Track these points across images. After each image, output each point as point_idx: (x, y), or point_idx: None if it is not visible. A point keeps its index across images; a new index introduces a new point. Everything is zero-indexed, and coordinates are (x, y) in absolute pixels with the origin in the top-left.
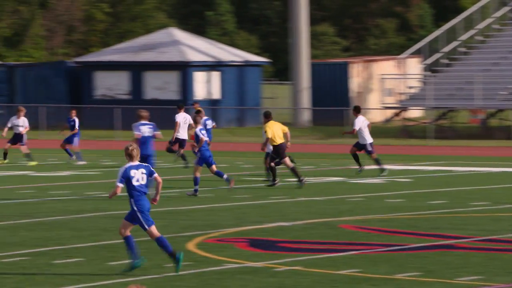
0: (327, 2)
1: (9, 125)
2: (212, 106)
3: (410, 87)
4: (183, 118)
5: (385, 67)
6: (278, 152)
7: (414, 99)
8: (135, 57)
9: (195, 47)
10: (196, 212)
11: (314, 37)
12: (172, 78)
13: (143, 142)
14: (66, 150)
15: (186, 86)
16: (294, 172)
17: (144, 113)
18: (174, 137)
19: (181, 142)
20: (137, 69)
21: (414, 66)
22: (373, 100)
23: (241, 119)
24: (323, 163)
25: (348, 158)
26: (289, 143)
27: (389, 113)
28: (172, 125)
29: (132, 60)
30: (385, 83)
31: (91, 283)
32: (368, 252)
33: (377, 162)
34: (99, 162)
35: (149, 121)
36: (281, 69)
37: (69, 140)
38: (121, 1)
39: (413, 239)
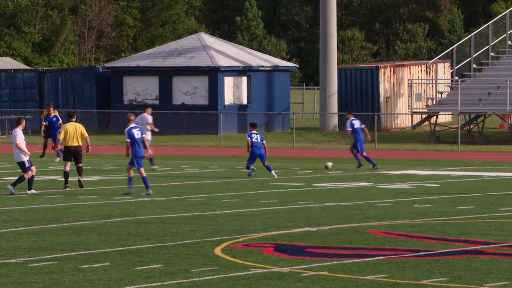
0: (356, 8)
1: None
2: (240, 111)
3: (439, 92)
4: None
5: (414, 72)
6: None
7: (443, 104)
8: (164, 62)
9: (224, 52)
10: (223, 217)
11: (343, 42)
12: (201, 83)
13: (135, 144)
14: (57, 151)
15: (214, 91)
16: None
17: (132, 117)
18: None
19: None
20: (166, 74)
21: (443, 71)
22: (402, 105)
23: (270, 124)
24: (351, 168)
25: (376, 163)
26: (89, 148)
27: (418, 118)
28: (200, 130)
29: (161, 66)
30: (414, 88)
31: (118, 287)
32: (395, 257)
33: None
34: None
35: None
36: (310, 74)
37: (55, 139)
38: (151, 7)
39: (441, 245)
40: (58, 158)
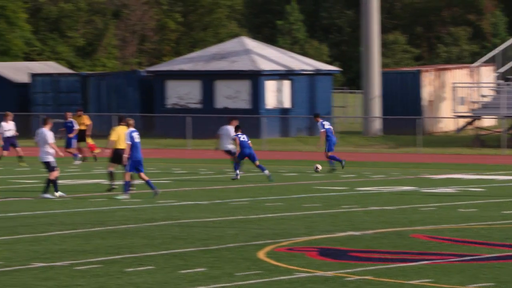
0: (399, 11)
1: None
2: (282, 115)
3: (483, 96)
4: (224, 129)
5: (457, 75)
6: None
7: (487, 108)
8: (207, 66)
9: (266, 56)
10: (266, 221)
11: (385, 45)
12: (243, 87)
13: (135, 147)
14: (74, 155)
15: (257, 95)
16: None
17: (132, 121)
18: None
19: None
20: (208, 78)
21: (487, 74)
22: (445, 109)
23: (312, 128)
24: (394, 172)
25: (419, 167)
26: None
27: (462, 122)
28: (247, 133)
29: (203, 69)
30: (458, 92)
31: None
32: (440, 262)
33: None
34: (170, 170)
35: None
36: (352, 78)
37: (69, 143)
38: (193, 11)
39: (486, 249)
40: (78, 161)
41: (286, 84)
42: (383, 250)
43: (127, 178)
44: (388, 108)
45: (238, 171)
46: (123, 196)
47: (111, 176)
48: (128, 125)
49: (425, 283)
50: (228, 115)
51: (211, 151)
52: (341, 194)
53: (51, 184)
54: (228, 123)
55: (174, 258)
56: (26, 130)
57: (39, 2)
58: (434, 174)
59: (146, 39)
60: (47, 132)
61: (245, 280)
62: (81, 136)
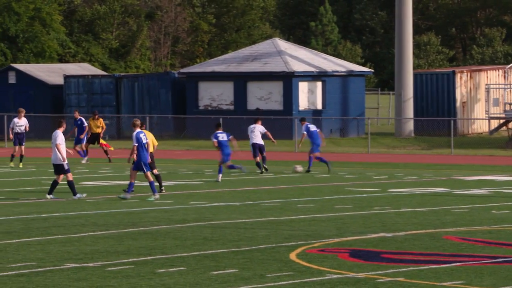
0: (433, 12)
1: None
2: (315, 116)
3: None
4: (252, 127)
5: (491, 76)
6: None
7: None
8: (239, 67)
9: (298, 57)
10: (298, 222)
11: (419, 46)
12: (275, 88)
13: (142, 149)
14: (78, 152)
15: (289, 96)
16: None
17: (138, 122)
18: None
19: (259, 148)
20: (241, 80)
21: None
22: (479, 110)
23: (344, 129)
24: (427, 173)
25: (452, 168)
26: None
27: (495, 123)
28: (275, 135)
29: (236, 71)
30: (492, 93)
31: None
32: (472, 264)
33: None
34: (203, 171)
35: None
36: (385, 79)
37: (78, 141)
38: (226, 12)
39: None
40: (85, 159)
41: (319, 85)
42: (415, 252)
43: (150, 178)
44: (421, 109)
45: (220, 176)
46: (154, 197)
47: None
48: (135, 126)
49: (457, 285)
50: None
51: (244, 152)
52: (373, 195)
53: (54, 186)
54: (255, 122)
55: (205, 259)
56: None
57: (74, 4)
58: (467, 176)
59: (179, 41)
60: (58, 134)
61: (276, 281)
62: (94, 138)
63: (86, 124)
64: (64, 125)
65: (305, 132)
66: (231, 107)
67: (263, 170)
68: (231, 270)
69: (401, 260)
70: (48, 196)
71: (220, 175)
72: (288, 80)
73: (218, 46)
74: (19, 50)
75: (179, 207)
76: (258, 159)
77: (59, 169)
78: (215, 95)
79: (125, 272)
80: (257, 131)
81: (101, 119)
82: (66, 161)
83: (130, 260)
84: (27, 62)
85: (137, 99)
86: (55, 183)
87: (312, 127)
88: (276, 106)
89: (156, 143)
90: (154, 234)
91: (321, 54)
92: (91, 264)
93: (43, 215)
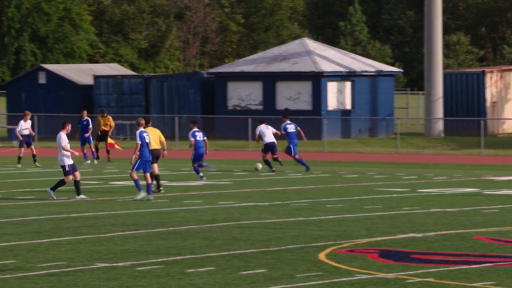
0: (462, 11)
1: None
2: (343, 116)
3: None
4: (264, 127)
5: None
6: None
7: None
8: (268, 67)
9: (327, 57)
10: (327, 222)
11: (448, 46)
12: (304, 88)
13: (145, 148)
14: (92, 153)
15: (318, 96)
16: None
17: (143, 121)
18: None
19: (271, 148)
20: (269, 80)
21: None
22: (509, 110)
23: (373, 130)
24: (456, 173)
25: (482, 168)
26: (165, 152)
27: None
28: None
29: (265, 71)
30: None
31: None
32: (503, 264)
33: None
34: (232, 171)
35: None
36: (414, 79)
37: (84, 141)
38: (255, 12)
39: None
40: (88, 161)
41: (348, 85)
42: (445, 252)
43: (148, 180)
44: (450, 109)
45: (201, 174)
46: (140, 196)
47: (156, 178)
48: (139, 125)
49: (488, 286)
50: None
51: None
52: (403, 195)
53: (78, 186)
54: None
55: (234, 259)
56: None
57: (103, 4)
58: (497, 176)
59: (208, 41)
60: (61, 136)
61: (306, 282)
62: (103, 136)
63: (91, 126)
64: (68, 127)
65: (283, 132)
66: (260, 107)
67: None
68: (260, 270)
69: (431, 261)
70: (52, 194)
71: (201, 173)
72: (317, 80)
73: (247, 46)
74: (49, 51)
75: (208, 207)
76: (268, 157)
77: (63, 170)
78: (244, 95)
79: (154, 272)
80: (270, 131)
81: (110, 117)
82: (71, 162)
83: (160, 260)
84: (57, 62)
85: (166, 99)
86: (76, 183)
87: (291, 128)
88: (305, 106)
89: (163, 139)
90: (183, 234)
91: (350, 54)
92: (121, 264)
93: (73, 214)
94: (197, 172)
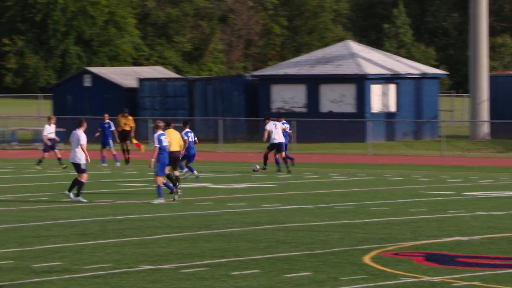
0: (508, 13)
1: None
2: (388, 118)
3: None
4: (273, 125)
5: None
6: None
7: None
8: (312, 70)
9: (371, 59)
10: (371, 225)
11: (493, 48)
12: (348, 91)
13: (163, 151)
14: (114, 156)
15: (362, 98)
16: (171, 180)
17: (161, 123)
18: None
19: (278, 147)
20: (313, 82)
21: None
22: None
23: (418, 132)
24: (502, 176)
25: None
26: (182, 152)
27: None
28: (347, 138)
29: (308, 74)
30: None
31: None
32: None
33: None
34: (275, 174)
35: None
36: (459, 82)
37: (104, 144)
38: (298, 15)
39: None
40: (105, 164)
41: (392, 88)
42: (491, 256)
43: (159, 182)
44: (496, 111)
45: (195, 171)
46: (158, 201)
47: (171, 178)
48: (157, 128)
49: None
50: (332, 119)
51: (317, 155)
52: (448, 198)
53: (78, 186)
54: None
55: (279, 262)
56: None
57: (147, 7)
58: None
59: (252, 44)
60: (81, 134)
61: (351, 285)
62: (124, 136)
63: (113, 128)
64: (85, 125)
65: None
66: (304, 110)
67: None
68: (305, 273)
69: (477, 264)
70: (72, 197)
71: (195, 171)
72: (360, 83)
73: (291, 48)
74: (94, 54)
75: (252, 210)
76: (283, 155)
77: (76, 168)
78: (288, 98)
79: (199, 274)
80: (278, 129)
81: (131, 118)
82: (85, 161)
83: (204, 262)
84: (102, 65)
85: (210, 102)
86: (79, 183)
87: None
88: (349, 108)
89: (181, 142)
90: (227, 237)
91: (394, 56)
92: (165, 266)
93: (118, 217)
94: (191, 171)
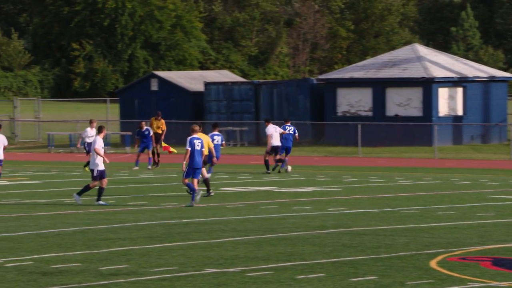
0: None
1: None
2: (455, 122)
3: None
4: (273, 129)
5: None
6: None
7: None
8: (378, 73)
9: (438, 63)
10: (438, 230)
11: None
12: (414, 94)
13: (194, 155)
14: (149, 159)
15: (429, 102)
16: (207, 184)
17: (196, 127)
18: (269, 147)
19: (276, 150)
20: (379, 86)
21: None
22: None
23: (486, 136)
24: None
25: None
26: (214, 159)
27: None
28: (414, 141)
29: (374, 77)
30: None
31: None
32: None
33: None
34: (341, 178)
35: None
36: None
37: (143, 149)
38: (364, 18)
39: None
40: (136, 167)
41: (459, 91)
42: None
43: (195, 185)
44: None
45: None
46: (197, 197)
47: (206, 182)
48: (193, 131)
49: None
50: (399, 122)
51: (383, 159)
52: None
53: (101, 192)
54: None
55: (344, 266)
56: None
57: (214, 12)
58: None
59: (318, 47)
60: (98, 140)
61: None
62: (156, 139)
63: (152, 133)
64: (104, 131)
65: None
66: (370, 114)
67: (271, 171)
68: (371, 277)
69: None
70: (100, 202)
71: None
72: (427, 86)
73: (357, 52)
74: (161, 58)
75: (318, 214)
76: (277, 157)
77: (92, 174)
78: (354, 101)
79: (264, 277)
80: (277, 133)
81: (163, 121)
82: (103, 168)
83: (270, 266)
84: (169, 69)
85: (276, 106)
86: (100, 189)
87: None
88: (416, 112)
89: (211, 145)
90: (293, 240)
91: (461, 59)
92: (231, 269)
93: (184, 220)
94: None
